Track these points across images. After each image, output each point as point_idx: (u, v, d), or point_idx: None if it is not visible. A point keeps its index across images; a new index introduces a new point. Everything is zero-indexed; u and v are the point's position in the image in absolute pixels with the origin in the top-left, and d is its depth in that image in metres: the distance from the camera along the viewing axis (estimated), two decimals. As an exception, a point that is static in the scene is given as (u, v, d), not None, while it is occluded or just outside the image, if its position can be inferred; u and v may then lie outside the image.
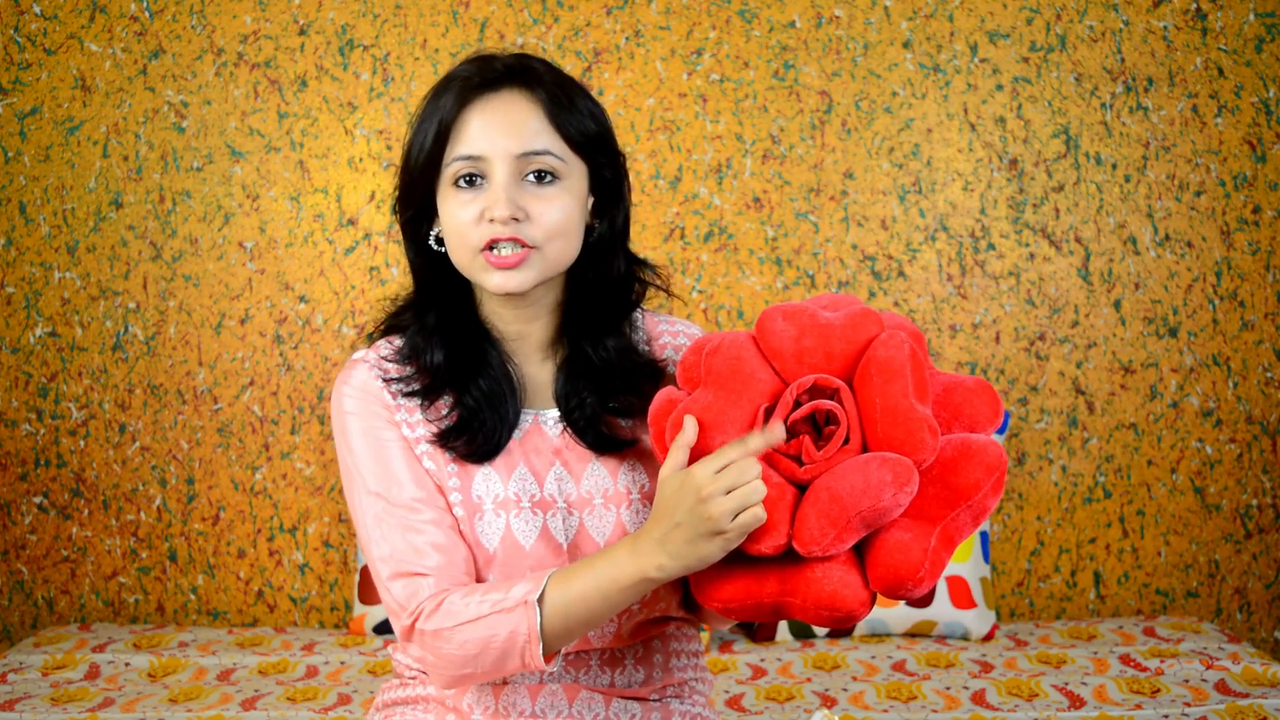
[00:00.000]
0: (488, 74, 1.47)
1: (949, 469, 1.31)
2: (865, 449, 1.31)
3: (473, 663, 1.41)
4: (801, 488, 1.31)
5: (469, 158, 1.44)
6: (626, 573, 1.35)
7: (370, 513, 1.48)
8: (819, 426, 1.33)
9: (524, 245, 1.43)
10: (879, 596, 1.34)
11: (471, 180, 1.45)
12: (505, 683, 1.51)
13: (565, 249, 1.47)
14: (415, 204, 1.49)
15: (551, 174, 1.45)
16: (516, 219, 1.42)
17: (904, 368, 1.29)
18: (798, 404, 1.32)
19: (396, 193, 1.52)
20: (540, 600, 1.38)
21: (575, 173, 1.48)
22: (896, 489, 1.26)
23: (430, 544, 1.46)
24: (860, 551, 1.33)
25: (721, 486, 1.28)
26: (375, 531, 1.48)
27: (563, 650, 1.45)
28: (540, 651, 1.39)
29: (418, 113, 1.49)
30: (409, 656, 1.48)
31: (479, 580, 1.50)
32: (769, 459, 1.31)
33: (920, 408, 1.29)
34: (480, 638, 1.39)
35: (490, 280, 1.44)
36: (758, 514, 1.28)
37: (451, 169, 1.45)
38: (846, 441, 1.30)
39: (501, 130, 1.44)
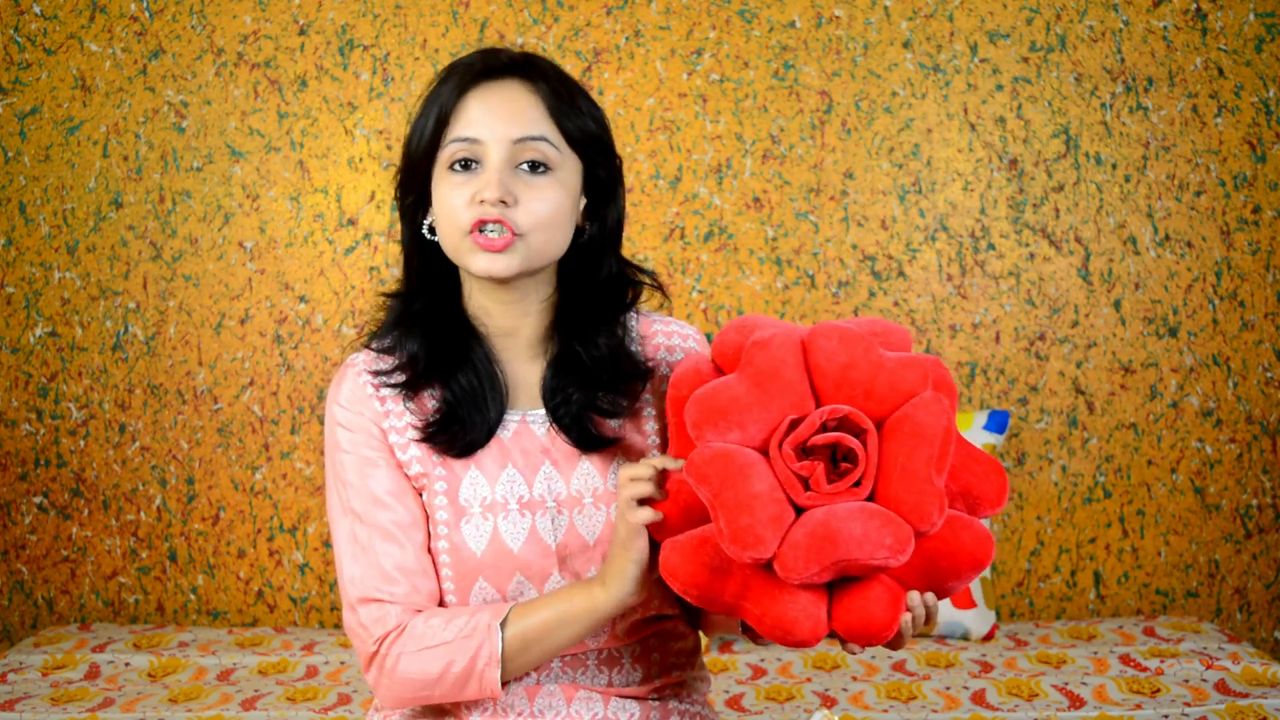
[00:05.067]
0: (491, 63, 1.48)
1: (939, 551, 1.32)
2: (872, 496, 1.31)
3: (430, 686, 1.45)
4: (799, 510, 1.32)
5: (466, 140, 1.45)
6: (576, 601, 1.43)
7: (345, 530, 1.50)
8: (835, 456, 1.32)
9: (511, 231, 1.43)
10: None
11: (466, 164, 1.45)
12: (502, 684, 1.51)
13: (551, 241, 1.47)
14: (415, 189, 1.50)
15: (544, 164, 1.45)
16: (505, 202, 1.42)
17: (936, 437, 1.29)
18: (824, 427, 1.31)
19: (398, 178, 1.53)
20: (503, 625, 1.43)
21: (568, 167, 1.48)
22: (891, 553, 1.27)
23: (400, 570, 1.47)
24: (832, 585, 1.32)
25: (622, 504, 1.39)
26: (347, 551, 1.49)
27: (510, 681, 1.48)
28: (498, 675, 1.42)
29: (421, 99, 1.51)
30: (368, 680, 1.49)
31: (442, 601, 1.51)
32: (779, 476, 1.30)
33: (938, 482, 1.29)
34: (442, 662, 1.43)
35: (477, 262, 1.44)
36: (639, 518, 1.37)
37: (448, 151, 1.46)
38: (857, 484, 1.30)
39: (500, 116, 1.45)
